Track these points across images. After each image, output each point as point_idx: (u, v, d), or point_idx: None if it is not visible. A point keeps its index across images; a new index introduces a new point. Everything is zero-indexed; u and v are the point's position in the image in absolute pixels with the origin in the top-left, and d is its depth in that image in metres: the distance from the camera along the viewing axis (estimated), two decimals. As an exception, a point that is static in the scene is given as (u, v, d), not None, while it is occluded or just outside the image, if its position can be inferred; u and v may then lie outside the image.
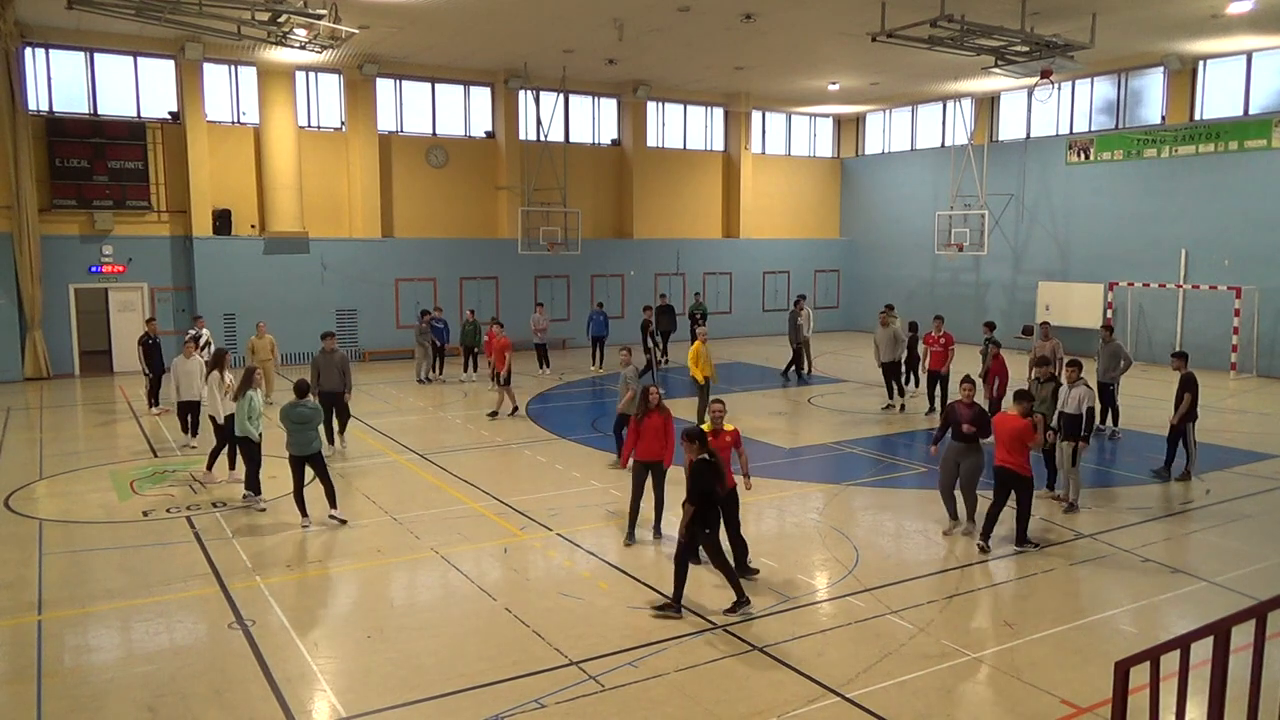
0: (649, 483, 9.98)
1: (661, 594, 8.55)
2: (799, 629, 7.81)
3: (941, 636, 7.67)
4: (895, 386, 18.00)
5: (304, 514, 10.64)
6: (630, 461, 10.11)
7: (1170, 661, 4.81)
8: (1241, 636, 4.83)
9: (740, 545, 9.01)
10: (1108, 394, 15.32)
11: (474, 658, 7.28)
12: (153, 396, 17.32)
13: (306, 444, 10.50)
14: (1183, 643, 4.79)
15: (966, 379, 10.46)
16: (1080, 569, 9.35)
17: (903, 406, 17.88)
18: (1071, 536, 10.30)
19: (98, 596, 8.57)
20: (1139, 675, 4.88)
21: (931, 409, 17.14)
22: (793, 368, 22.01)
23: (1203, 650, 4.88)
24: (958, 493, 10.38)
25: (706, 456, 8.02)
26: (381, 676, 6.96)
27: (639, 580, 8.94)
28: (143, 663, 7.23)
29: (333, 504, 10.76)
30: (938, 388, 17.09)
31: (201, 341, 17.53)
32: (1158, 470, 12.94)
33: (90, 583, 8.95)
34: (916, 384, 19.35)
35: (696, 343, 15.75)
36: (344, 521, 10.67)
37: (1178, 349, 13.89)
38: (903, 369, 18.26)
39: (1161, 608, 8.45)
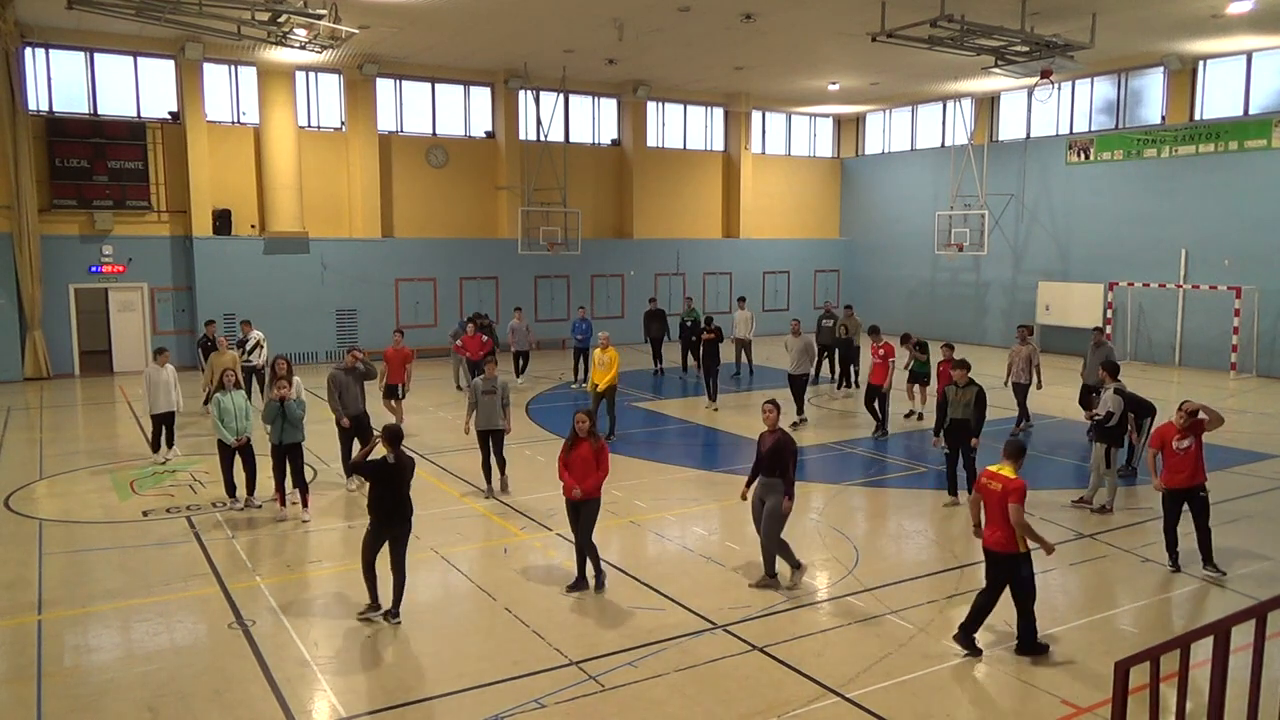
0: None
1: (661, 593, 8.55)
2: (799, 629, 7.81)
3: (941, 636, 7.67)
4: (802, 402, 16.79)
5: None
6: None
7: (1170, 661, 4.81)
8: (1241, 636, 4.83)
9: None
10: (1092, 391, 15.26)
11: (474, 658, 7.28)
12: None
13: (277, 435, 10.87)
14: (1183, 643, 4.79)
15: (769, 403, 8.87)
16: (1080, 569, 9.35)
17: (802, 421, 16.50)
18: (1072, 536, 10.30)
19: (98, 596, 8.57)
20: (1139, 675, 4.88)
21: (880, 429, 15.63)
22: (836, 376, 20.51)
23: (1203, 650, 4.88)
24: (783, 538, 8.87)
25: (389, 459, 7.94)
26: (381, 676, 6.96)
27: (639, 580, 8.94)
28: (143, 663, 7.23)
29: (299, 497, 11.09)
30: (876, 404, 15.65)
31: (250, 345, 17.00)
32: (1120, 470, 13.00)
33: (90, 583, 8.95)
34: (847, 384, 19.44)
35: (611, 349, 14.89)
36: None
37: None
38: (808, 381, 17.06)
39: (1161, 608, 8.45)
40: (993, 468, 7.53)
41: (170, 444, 14.01)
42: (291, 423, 10.73)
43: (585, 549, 8.68)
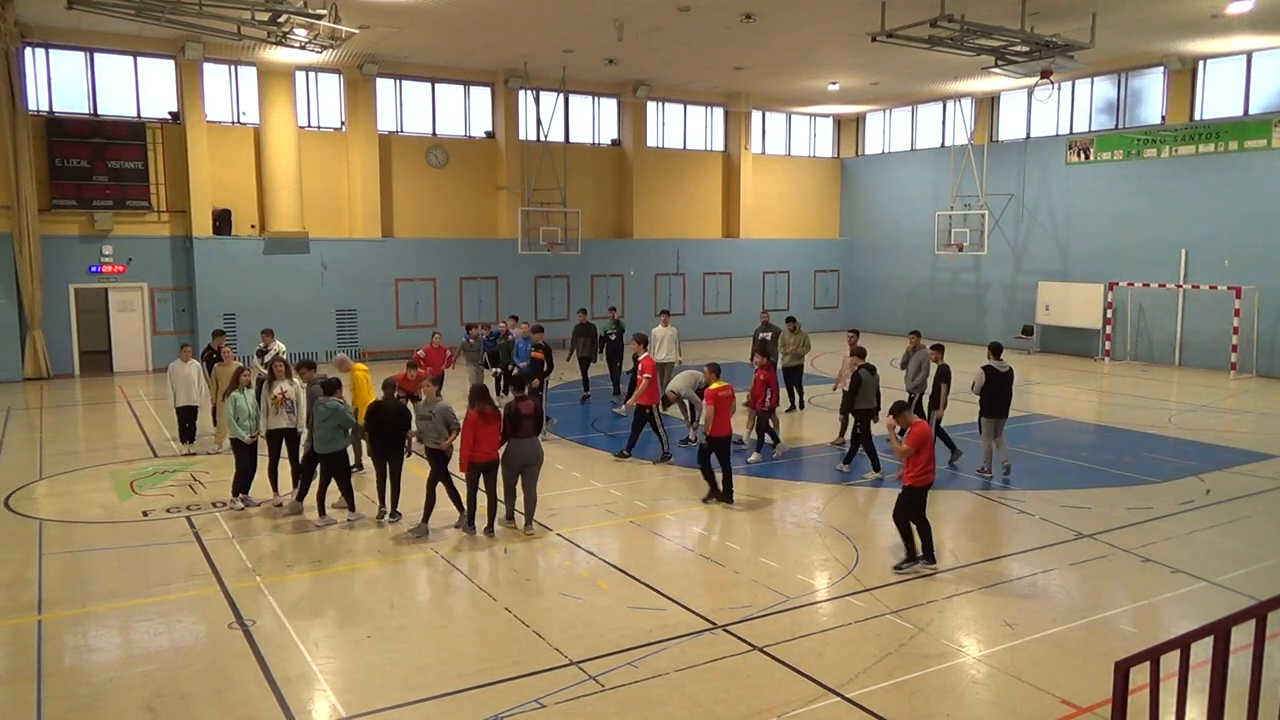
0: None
1: (661, 593, 8.56)
2: (799, 629, 7.81)
3: (941, 636, 7.67)
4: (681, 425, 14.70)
5: (320, 512, 10.77)
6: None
7: (1170, 661, 4.81)
8: (1241, 636, 4.83)
9: None
10: (914, 403, 13.63)
11: (474, 658, 7.28)
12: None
13: (323, 441, 10.49)
14: (1183, 643, 4.79)
15: (524, 401, 10.31)
16: (1080, 569, 9.35)
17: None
18: (1071, 536, 10.30)
19: (98, 596, 8.57)
20: (1139, 675, 4.88)
21: (629, 450, 13.93)
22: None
23: (1203, 650, 4.88)
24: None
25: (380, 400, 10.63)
26: (381, 676, 6.96)
27: (639, 580, 8.94)
28: (143, 663, 7.23)
29: (350, 506, 10.90)
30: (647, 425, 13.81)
31: (270, 357, 14.78)
32: (952, 462, 13.29)
33: (90, 583, 8.95)
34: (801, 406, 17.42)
35: (359, 366, 13.14)
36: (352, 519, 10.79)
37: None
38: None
39: (1161, 608, 8.45)
40: (715, 384, 11.18)
41: (190, 439, 14.24)
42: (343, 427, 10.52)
43: (493, 503, 10.47)
